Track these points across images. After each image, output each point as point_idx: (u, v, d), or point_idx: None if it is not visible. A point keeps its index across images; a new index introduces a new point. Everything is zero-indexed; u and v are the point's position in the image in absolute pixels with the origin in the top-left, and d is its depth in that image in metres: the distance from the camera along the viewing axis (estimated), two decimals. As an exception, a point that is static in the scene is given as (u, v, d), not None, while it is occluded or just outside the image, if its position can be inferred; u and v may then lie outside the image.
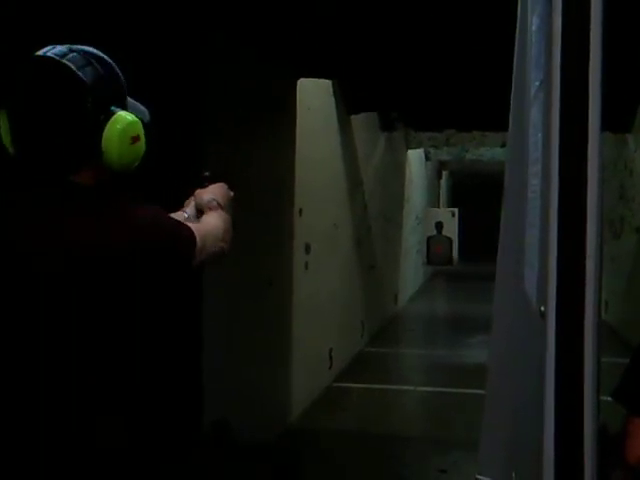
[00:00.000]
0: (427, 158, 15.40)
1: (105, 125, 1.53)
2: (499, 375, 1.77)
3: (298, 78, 6.21)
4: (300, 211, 6.45)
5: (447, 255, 12.11)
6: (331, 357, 7.80)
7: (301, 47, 5.24)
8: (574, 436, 1.15)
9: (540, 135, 1.35)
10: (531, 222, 1.47)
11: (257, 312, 5.50)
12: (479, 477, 1.79)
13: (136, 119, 1.57)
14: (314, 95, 6.86)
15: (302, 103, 6.38)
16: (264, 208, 5.69)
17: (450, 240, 12.07)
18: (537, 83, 1.39)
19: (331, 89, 7.57)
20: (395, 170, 12.39)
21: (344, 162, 8.35)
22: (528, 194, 1.51)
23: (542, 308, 1.19)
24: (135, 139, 1.56)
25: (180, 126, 3.93)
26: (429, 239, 12.28)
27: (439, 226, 12.16)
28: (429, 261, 12.56)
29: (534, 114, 1.43)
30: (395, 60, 5.71)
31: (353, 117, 8.49)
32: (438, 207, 15.41)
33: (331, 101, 7.69)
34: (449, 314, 13.03)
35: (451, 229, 12.19)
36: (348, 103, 8.05)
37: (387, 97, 7.67)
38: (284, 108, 6.09)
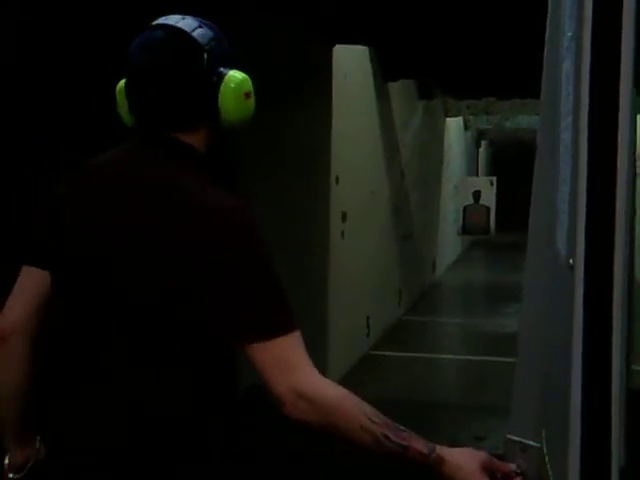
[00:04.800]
0: (466, 127, 15.26)
1: (219, 85, 1.57)
2: (531, 336, 1.76)
3: (334, 45, 6.17)
4: (337, 179, 6.44)
5: (484, 224, 11.74)
6: (368, 325, 7.82)
7: (337, 12, 5.19)
8: (602, 388, 1.15)
9: (571, 88, 1.33)
10: (563, 178, 1.45)
11: (293, 280, 5.52)
12: (510, 436, 1.78)
13: (246, 77, 1.60)
14: (350, 62, 6.82)
15: (338, 70, 6.35)
16: (301, 176, 5.69)
17: (488, 209, 11.70)
18: (570, 34, 1.37)
19: (368, 56, 7.52)
20: (433, 138, 12.30)
21: (381, 130, 8.31)
22: (560, 149, 1.49)
23: (571, 261, 1.18)
24: (248, 95, 1.60)
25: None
26: (465, 208, 11.85)
27: (477, 195, 11.84)
28: (465, 230, 12.14)
29: (566, 66, 1.41)
30: (433, 26, 5.63)
31: (390, 84, 8.43)
32: (476, 176, 15.23)
33: (368, 68, 7.64)
34: (487, 283, 12.96)
35: (489, 198, 11.85)
36: (385, 70, 7.98)
37: (425, 64, 7.58)
38: (320, 75, 6.06)
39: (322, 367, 6.49)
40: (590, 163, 1.14)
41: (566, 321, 1.24)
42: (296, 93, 5.47)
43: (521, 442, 1.76)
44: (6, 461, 1.76)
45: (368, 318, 7.81)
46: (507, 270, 13.37)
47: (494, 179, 12.27)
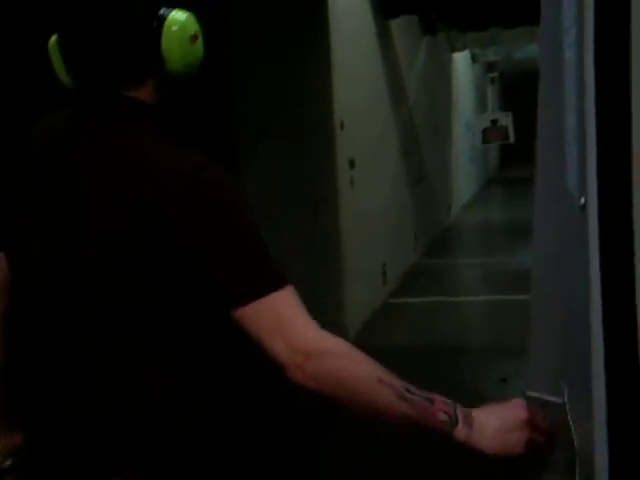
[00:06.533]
0: (474, 60, 14.92)
1: (160, 30, 1.39)
2: (545, 282, 1.59)
3: (329, -16, 5.91)
4: (342, 124, 6.23)
5: (504, 135, 12.01)
6: (385, 273, 7.67)
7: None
8: (625, 335, 0.98)
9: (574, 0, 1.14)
10: (569, 104, 1.26)
11: (304, 234, 5.37)
12: (529, 393, 1.63)
13: (190, 16, 1.43)
14: (347, 0, 6.56)
15: (334, 10, 6.09)
16: (304, 123, 5.49)
17: (506, 127, 11.95)
18: None
19: (365, -7, 7.24)
20: (440, 75, 11.99)
21: (385, 70, 8.05)
22: (564, 71, 1.30)
23: (582, 200, 1.01)
24: (194, 38, 1.42)
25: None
26: (484, 130, 12.22)
27: (494, 122, 12.11)
28: (484, 140, 12.43)
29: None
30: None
31: (392, 22, 8.14)
32: (487, 112, 15.02)
33: (366, 6, 7.36)
34: (504, 220, 12.76)
35: (507, 122, 12.12)
36: (385, 7, 7.70)
37: (426, -2, 7.31)
38: (315, 16, 5.82)
39: (340, 320, 6.36)
40: (598, 81, 0.96)
41: (581, 267, 1.07)
42: (291, 36, 5.25)
43: (541, 398, 1.61)
44: None
45: (384, 265, 7.65)
46: (524, 206, 13.18)
47: (510, 114, 12.26)
